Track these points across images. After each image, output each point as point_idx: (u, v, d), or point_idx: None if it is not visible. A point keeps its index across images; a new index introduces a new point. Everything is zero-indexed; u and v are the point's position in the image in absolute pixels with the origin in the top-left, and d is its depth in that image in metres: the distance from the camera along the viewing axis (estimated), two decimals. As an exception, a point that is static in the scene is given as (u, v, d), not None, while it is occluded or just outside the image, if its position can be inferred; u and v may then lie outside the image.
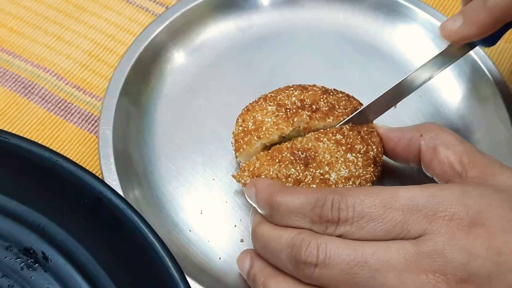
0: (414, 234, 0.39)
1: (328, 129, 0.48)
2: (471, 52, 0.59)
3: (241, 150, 0.50)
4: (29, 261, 0.49)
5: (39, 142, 0.57)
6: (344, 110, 0.50)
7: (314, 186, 0.46)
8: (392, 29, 0.65)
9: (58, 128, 0.59)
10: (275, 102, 0.50)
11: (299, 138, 0.48)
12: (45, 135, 0.58)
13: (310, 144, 0.47)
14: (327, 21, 0.65)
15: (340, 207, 0.40)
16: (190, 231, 0.53)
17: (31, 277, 0.49)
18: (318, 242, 0.40)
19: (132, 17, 0.66)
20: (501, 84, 0.59)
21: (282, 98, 0.51)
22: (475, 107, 0.60)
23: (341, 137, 0.48)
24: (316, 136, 0.48)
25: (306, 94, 0.51)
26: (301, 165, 0.47)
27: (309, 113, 0.49)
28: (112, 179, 0.53)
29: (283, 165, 0.47)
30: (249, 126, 0.50)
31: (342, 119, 0.50)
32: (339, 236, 0.40)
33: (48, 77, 0.62)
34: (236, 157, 0.51)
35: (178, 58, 0.62)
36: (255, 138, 0.49)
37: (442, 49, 0.52)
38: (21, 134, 0.56)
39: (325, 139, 0.47)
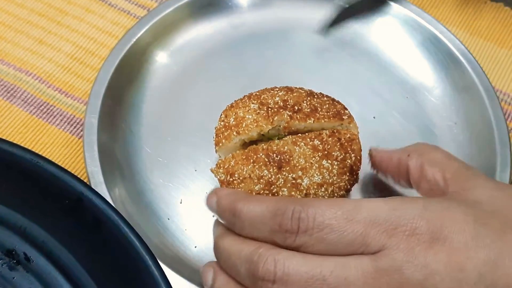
0: (374, 249, 0.38)
1: (307, 133, 0.48)
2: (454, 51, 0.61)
3: (220, 144, 0.50)
4: (11, 262, 0.49)
5: (22, 145, 0.57)
6: (326, 113, 0.50)
7: (285, 190, 0.47)
8: (381, 29, 0.65)
9: (40, 130, 0.59)
10: (259, 101, 0.51)
11: (276, 141, 0.48)
12: (27, 138, 0.59)
13: (286, 147, 0.47)
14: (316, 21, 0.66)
15: (300, 216, 0.39)
16: (168, 219, 0.54)
17: (13, 278, 0.49)
18: (275, 258, 0.39)
19: (114, 20, 0.66)
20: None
21: (266, 97, 0.51)
22: (461, 106, 0.61)
23: (319, 142, 0.47)
24: (294, 140, 0.48)
25: (291, 95, 0.51)
26: (274, 168, 0.47)
27: (290, 113, 0.49)
28: (94, 166, 0.54)
29: (256, 166, 0.47)
30: (231, 122, 0.50)
31: (323, 121, 0.50)
32: (299, 247, 0.39)
33: (31, 80, 0.62)
34: (216, 151, 0.51)
35: (163, 58, 0.63)
36: (234, 133, 0.49)
37: None
38: (3, 137, 0.56)
39: (302, 143, 0.47)
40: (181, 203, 0.55)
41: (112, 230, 0.47)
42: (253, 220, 0.41)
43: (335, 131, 0.48)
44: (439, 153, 0.46)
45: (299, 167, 0.47)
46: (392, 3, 0.65)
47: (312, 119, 0.49)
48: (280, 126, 0.49)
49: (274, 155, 0.47)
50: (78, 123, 0.60)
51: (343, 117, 0.50)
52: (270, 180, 0.47)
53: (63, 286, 0.48)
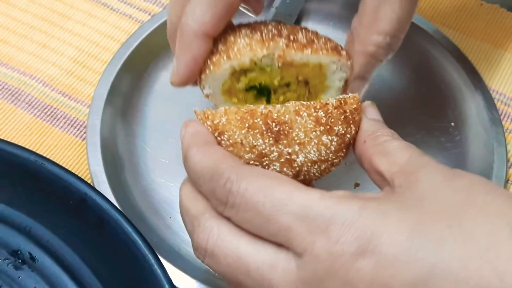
0: (297, 249, 0.35)
1: (312, 102, 0.43)
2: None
3: (207, 71, 0.45)
4: (17, 261, 0.51)
5: (27, 147, 0.58)
6: (324, 45, 0.46)
7: (277, 164, 0.43)
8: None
9: (44, 133, 0.60)
10: (250, 27, 0.47)
11: (277, 106, 0.42)
12: (32, 140, 0.60)
13: (287, 116, 0.42)
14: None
15: (231, 189, 0.37)
16: (170, 217, 0.55)
17: (19, 277, 0.50)
18: (211, 232, 0.38)
19: (116, 24, 0.67)
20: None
21: (258, 25, 0.47)
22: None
23: (323, 114, 0.42)
24: (297, 108, 0.42)
25: (285, 26, 0.47)
26: (271, 139, 0.42)
27: (286, 41, 0.45)
28: (97, 165, 0.55)
29: (251, 132, 0.41)
30: (219, 48, 0.45)
31: (321, 53, 0.45)
32: (228, 218, 0.38)
33: (35, 84, 0.63)
34: (200, 83, 0.46)
35: (166, 61, 0.64)
36: (224, 57, 0.44)
37: None
38: (9, 140, 0.57)
39: (305, 113, 0.42)
40: (183, 202, 0.56)
41: (115, 229, 0.49)
42: (194, 174, 0.39)
43: (342, 101, 0.43)
44: (395, 142, 0.41)
45: (297, 141, 0.42)
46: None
47: (310, 49, 0.45)
48: (275, 54, 0.45)
49: (274, 124, 0.42)
50: (81, 125, 0.61)
51: (342, 52, 0.46)
52: (263, 151, 0.42)
53: (68, 284, 0.49)
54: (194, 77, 0.45)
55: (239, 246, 0.37)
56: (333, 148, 0.43)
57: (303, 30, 0.46)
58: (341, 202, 0.35)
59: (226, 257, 0.37)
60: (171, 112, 0.61)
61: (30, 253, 0.51)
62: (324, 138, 0.43)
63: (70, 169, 0.57)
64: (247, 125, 0.41)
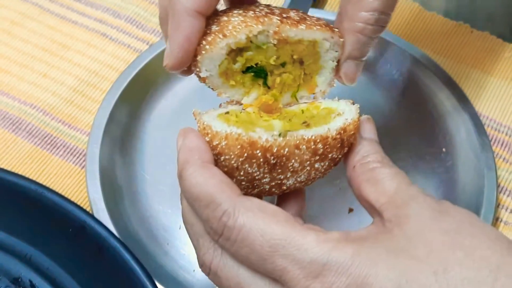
0: None
1: (312, 136, 0.42)
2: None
3: (202, 52, 0.43)
4: (18, 289, 0.52)
5: (26, 175, 0.60)
6: (316, 22, 0.46)
7: (267, 186, 0.44)
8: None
9: (44, 161, 0.62)
10: (243, 9, 0.46)
11: (279, 140, 0.41)
12: (32, 169, 0.61)
13: (286, 150, 0.42)
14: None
15: (227, 223, 0.37)
16: (168, 244, 0.56)
17: (20, 304, 0.51)
18: (213, 255, 0.39)
19: (115, 53, 0.69)
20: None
21: (249, 6, 0.46)
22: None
23: (321, 146, 0.42)
24: (297, 142, 0.42)
25: (275, 7, 0.47)
26: (266, 169, 0.42)
27: (279, 18, 0.44)
28: (96, 193, 0.57)
29: (249, 161, 0.42)
30: (213, 28, 0.44)
31: (315, 28, 0.45)
32: (221, 247, 0.39)
33: (35, 113, 0.64)
34: (196, 66, 0.44)
35: (164, 90, 0.66)
36: (220, 36, 0.43)
37: None
38: (8, 168, 0.59)
39: (304, 147, 0.42)
40: (180, 228, 0.57)
41: (114, 256, 0.50)
42: (190, 195, 0.39)
43: (342, 132, 0.43)
44: (384, 169, 0.41)
45: (291, 170, 0.43)
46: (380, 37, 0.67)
47: (304, 25, 0.45)
48: (269, 31, 0.44)
49: (272, 157, 0.42)
50: (81, 153, 0.62)
51: (334, 29, 0.46)
52: (256, 177, 0.43)
53: (67, 311, 0.50)
54: (188, 59, 0.44)
55: (240, 273, 0.38)
56: (323, 170, 0.44)
57: (294, 10, 0.46)
58: (336, 247, 0.36)
59: (228, 280, 0.39)
60: (169, 140, 0.61)
61: (30, 281, 0.52)
62: (317, 164, 0.43)
63: (69, 197, 0.59)
64: (246, 154, 0.41)
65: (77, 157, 0.62)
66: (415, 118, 0.65)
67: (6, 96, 0.65)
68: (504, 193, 0.61)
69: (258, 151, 0.41)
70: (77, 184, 0.60)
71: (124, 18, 0.71)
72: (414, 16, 0.73)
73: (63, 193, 0.59)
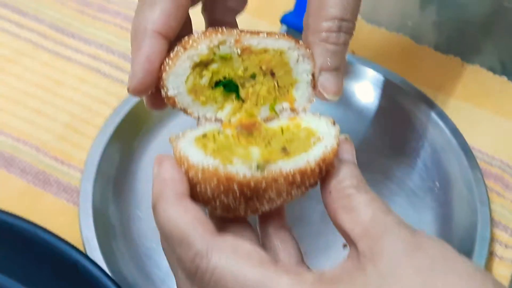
0: None
1: (291, 170, 0.41)
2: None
3: (166, 68, 0.43)
4: (9, 330, 0.51)
5: (18, 213, 0.59)
6: (279, 34, 0.46)
7: (242, 212, 0.43)
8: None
9: (37, 199, 0.61)
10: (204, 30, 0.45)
11: (256, 175, 0.40)
12: (24, 207, 0.61)
13: (264, 183, 0.41)
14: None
15: (200, 265, 0.37)
16: (162, 283, 0.56)
17: None
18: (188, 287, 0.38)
19: (108, 89, 0.69)
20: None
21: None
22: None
23: (299, 178, 0.41)
24: (275, 177, 0.41)
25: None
26: (242, 200, 0.41)
27: (239, 31, 0.45)
28: (89, 231, 0.56)
29: (224, 193, 0.41)
30: (175, 49, 0.44)
31: (277, 36, 0.45)
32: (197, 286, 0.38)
33: (28, 149, 0.64)
34: (162, 87, 0.44)
35: (158, 127, 0.66)
36: (181, 50, 0.43)
37: None
38: (1, 207, 0.58)
39: (281, 180, 0.41)
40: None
41: (107, 297, 0.49)
42: (162, 230, 0.39)
43: (321, 162, 0.42)
44: (359, 196, 0.40)
45: (268, 199, 0.42)
46: (367, 68, 0.68)
47: (265, 33, 0.45)
48: (231, 40, 0.44)
49: (249, 192, 0.41)
50: (74, 190, 0.62)
51: (299, 41, 0.46)
52: (232, 206, 0.42)
53: None
54: (151, 81, 0.43)
55: None
56: (299, 194, 0.43)
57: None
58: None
59: None
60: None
61: (22, 321, 0.51)
62: (294, 191, 0.42)
63: (62, 235, 0.58)
64: (222, 187, 0.40)
65: (70, 195, 0.62)
66: (408, 153, 0.65)
67: (-1, 133, 0.66)
68: (498, 228, 0.61)
69: (235, 185, 0.40)
70: (70, 222, 0.60)
71: (117, 53, 0.72)
72: (404, 49, 0.74)
73: (55, 232, 0.58)
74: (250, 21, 0.75)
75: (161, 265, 0.57)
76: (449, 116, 0.66)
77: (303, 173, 0.42)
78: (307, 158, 0.42)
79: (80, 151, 0.64)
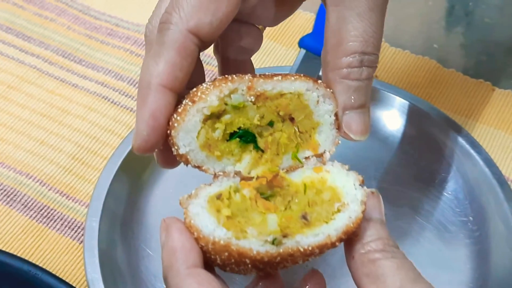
0: None
1: (309, 246, 0.38)
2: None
3: (175, 125, 0.39)
4: None
5: (20, 252, 0.56)
6: (294, 75, 0.42)
7: (254, 275, 0.41)
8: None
9: (40, 236, 0.57)
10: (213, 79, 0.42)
11: (271, 252, 0.38)
12: (26, 245, 0.57)
13: (278, 258, 0.38)
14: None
15: None
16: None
17: None
18: None
19: (116, 118, 0.65)
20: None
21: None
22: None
23: (318, 250, 0.39)
24: (291, 252, 0.38)
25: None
26: (253, 270, 0.39)
27: (250, 76, 0.41)
28: (95, 272, 0.52)
29: (235, 264, 0.39)
30: (183, 102, 0.41)
31: (293, 78, 0.41)
32: None
33: (31, 183, 0.60)
34: (173, 145, 0.40)
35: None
36: (190, 104, 0.40)
37: None
38: (1, 245, 0.54)
39: (298, 254, 0.38)
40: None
41: None
42: None
43: (343, 235, 0.39)
44: (386, 262, 0.38)
45: (281, 267, 0.40)
46: (391, 94, 0.64)
47: (279, 76, 0.41)
48: (243, 87, 0.41)
49: (261, 265, 0.39)
50: (79, 227, 0.58)
51: (318, 81, 0.42)
52: (243, 272, 0.40)
53: None
54: (156, 138, 0.39)
55: None
56: (316, 258, 0.40)
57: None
58: None
59: None
60: (174, 212, 0.57)
61: None
62: (311, 258, 0.40)
63: (66, 276, 0.55)
64: (233, 260, 0.38)
65: (75, 231, 0.58)
66: (435, 183, 0.61)
67: (0, 165, 0.62)
68: (539, 266, 0.56)
69: (247, 260, 0.38)
70: (75, 260, 0.56)
71: (127, 80, 0.68)
72: (430, 73, 0.70)
73: (59, 272, 0.55)
74: (267, 45, 0.71)
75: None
76: (481, 144, 0.62)
77: (322, 246, 0.39)
78: (328, 232, 0.39)
79: (86, 184, 0.61)
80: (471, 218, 0.58)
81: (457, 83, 0.68)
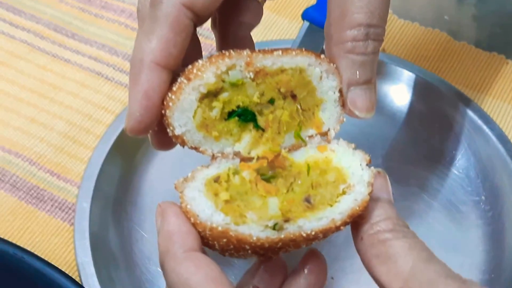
0: None
1: (312, 231, 0.37)
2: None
3: (170, 104, 0.37)
4: None
5: (8, 235, 0.54)
6: (295, 50, 0.40)
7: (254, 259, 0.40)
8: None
9: (29, 218, 0.55)
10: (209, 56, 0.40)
11: (272, 237, 0.36)
12: (15, 227, 0.54)
13: (280, 244, 0.37)
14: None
15: None
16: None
17: None
18: None
19: (110, 94, 0.63)
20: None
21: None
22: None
23: (322, 235, 0.37)
24: (293, 237, 0.37)
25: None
26: (253, 255, 0.38)
27: (249, 51, 0.39)
28: (85, 256, 0.50)
29: (235, 249, 0.37)
30: (178, 79, 0.38)
31: (294, 53, 0.39)
32: None
33: (20, 162, 0.58)
34: (168, 125, 0.38)
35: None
36: (185, 81, 0.37)
37: None
38: (-13, 227, 0.52)
39: (301, 238, 0.37)
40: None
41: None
42: (174, 285, 0.35)
43: (348, 218, 0.37)
44: (396, 242, 0.36)
45: (283, 251, 0.38)
46: (399, 68, 0.61)
47: (280, 51, 0.39)
48: (241, 64, 0.38)
49: (262, 251, 0.37)
50: (70, 208, 0.55)
51: (320, 55, 0.40)
52: (242, 257, 0.39)
53: None
54: (150, 119, 0.37)
55: None
56: (320, 241, 0.38)
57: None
58: None
59: None
60: (170, 192, 0.55)
61: None
62: (314, 243, 0.38)
63: (55, 259, 0.52)
64: (232, 246, 0.37)
65: (66, 212, 0.55)
66: (446, 161, 0.58)
67: (-12, 144, 0.59)
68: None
69: (246, 246, 0.36)
70: (65, 243, 0.54)
71: (122, 55, 0.65)
72: (441, 46, 0.66)
73: (48, 255, 0.53)
74: (268, 18, 0.68)
75: (159, 282, 0.51)
76: (495, 119, 0.59)
77: (326, 231, 0.37)
78: (333, 216, 0.37)
79: (78, 164, 0.58)
80: (483, 197, 0.56)
81: (469, 56, 0.65)
